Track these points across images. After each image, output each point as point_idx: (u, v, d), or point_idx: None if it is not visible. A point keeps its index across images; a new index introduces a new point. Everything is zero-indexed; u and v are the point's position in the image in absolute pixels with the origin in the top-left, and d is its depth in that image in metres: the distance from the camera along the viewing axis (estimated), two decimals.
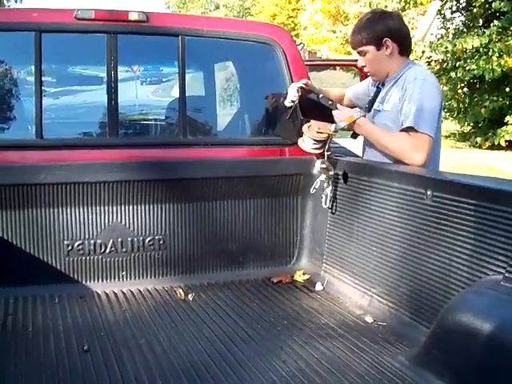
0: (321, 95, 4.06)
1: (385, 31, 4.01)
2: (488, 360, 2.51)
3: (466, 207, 2.99)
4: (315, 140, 4.04)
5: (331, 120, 4.00)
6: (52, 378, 2.85)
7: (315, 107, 4.10)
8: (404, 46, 4.10)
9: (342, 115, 4.00)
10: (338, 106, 4.12)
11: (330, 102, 4.05)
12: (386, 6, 19.42)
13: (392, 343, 3.29)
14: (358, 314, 3.73)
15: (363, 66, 4.19)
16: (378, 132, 4.01)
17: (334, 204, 4.17)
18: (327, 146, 4.06)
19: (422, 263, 3.33)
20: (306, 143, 4.10)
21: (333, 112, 4.03)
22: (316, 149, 4.07)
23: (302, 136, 4.14)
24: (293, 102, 4.22)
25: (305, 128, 4.10)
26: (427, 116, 3.82)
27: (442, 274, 3.17)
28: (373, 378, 2.87)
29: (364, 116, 4.05)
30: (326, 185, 4.16)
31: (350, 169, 4.03)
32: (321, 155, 4.09)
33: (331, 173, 4.12)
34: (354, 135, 4.11)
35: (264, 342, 3.33)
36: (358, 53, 4.15)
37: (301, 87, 4.16)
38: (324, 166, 4.10)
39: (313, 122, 4.09)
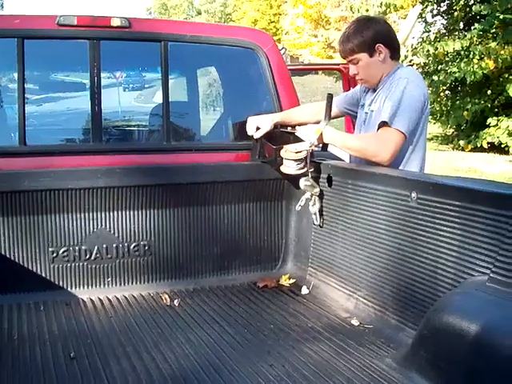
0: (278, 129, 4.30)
1: (376, 37, 3.99)
2: (475, 361, 2.52)
3: (451, 209, 3.00)
4: (296, 160, 4.05)
5: (299, 141, 4.07)
6: None
7: (280, 136, 4.27)
8: (395, 50, 4.10)
9: (308, 131, 4.03)
10: (297, 127, 4.20)
11: (289, 129, 4.23)
12: (367, 10, 19.39)
13: (379, 346, 3.29)
14: (344, 317, 3.73)
15: (355, 75, 4.15)
16: (343, 137, 4.07)
17: (319, 208, 4.17)
18: (308, 163, 4.06)
19: (407, 265, 3.34)
20: (289, 167, 4.10)
21: (299, 132, 4.11)
22: (300, 169, 4.06)
23: (280, 163, 4.16)
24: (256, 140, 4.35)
25: (282, 153, 4.11)
26: (402, 113, 3.80)
27: (428, 275, 3.17)
28: (360, 381, 2.87)
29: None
30: (311, 202, 4.15)
31: (334, 172, 4.03)
32: (304, 174, 4.09)
33: (316, 190, 4.09)
34: (324, 147, 4.12)
35: (251, 346, 3.32)
36: (349, 61, 4.11)
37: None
38: (308, 183, 4.08)
39: (286, 146, 4.11)
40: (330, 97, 4.09)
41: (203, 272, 4.34)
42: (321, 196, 4.12)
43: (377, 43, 3.98)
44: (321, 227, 4.17)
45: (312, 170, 4.07)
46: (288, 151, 4.06)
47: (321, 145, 4.08)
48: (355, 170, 3.89)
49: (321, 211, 4.14)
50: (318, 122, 4.13)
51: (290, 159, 4.05)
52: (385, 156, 3.78)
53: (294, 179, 4.18)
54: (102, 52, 4.12)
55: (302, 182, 4.10)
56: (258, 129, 4.33)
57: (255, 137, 4.34)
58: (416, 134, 3.94)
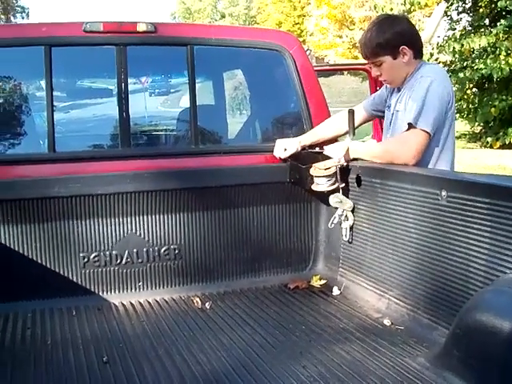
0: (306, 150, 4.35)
1: (399, 38, 3.95)
2: (509, 359, 2.49)
3: (482, 206, 2.98)
4: (326, 176, 4.07)
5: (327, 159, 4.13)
6: None
7: (308, 157, 4.29)
8: (418, 50, 4.07)
9: (335, 149, 4.08)
10: (325, 146, 4.25)
11: (317, 149, 4.28)
12: (391, 9, 19.36)
13: (411, 345, 3.28)
14: (375, 317, 3.71)
15: (378, 76, 4.14)
16: (368, 147, 4.09)
17: (351, 224, 4.17)
18: (339, 179, 4.06)
19: (438, 264, 3.32)
20: (320, 184, 4.13)
21: (326, 151, 4.17)
22: (331, 185, 4.08)
23: (311, 182, 4.20)
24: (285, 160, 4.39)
25: (312, 171, 4.14)
26: (426, 112, 3.78)
27: (460, 274, 3.15)
28: (393, 381, 2.86)
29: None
30: (343, 218, 4.14)
31: (362, 172, 4.02)
32: (335, 190, 4.11)
33: (348, 205, 4.09)
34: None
35: (283, 348, 3.32)
36: (372, 63, 4.09)
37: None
38: (338, 199, 4.09)
39: (315, 164, 4.14)
40: (351, 112, 4.10)
41: (234, 274, 4.35)
42: (353, 211, 4.11)
43: (400, 45, 3.95)
44: (351, 231, 4.16)
45: (343, 185, 4.07)
46: (317, 169, 4.09)
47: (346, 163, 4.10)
48: (384, 170, 3.88)
49: (352, 226, 4.14)
50: (345, 134, 4.19)
51: (321, 176, 4.08)
52: (408, 157, 3.77)
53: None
54: (129, 57, 4.14)
55: (332, 200, 4.11)
56: (285, 150, 4.35)
57: (282, 157, 4.38)
58: (443, 132, 3.92)
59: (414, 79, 3.95)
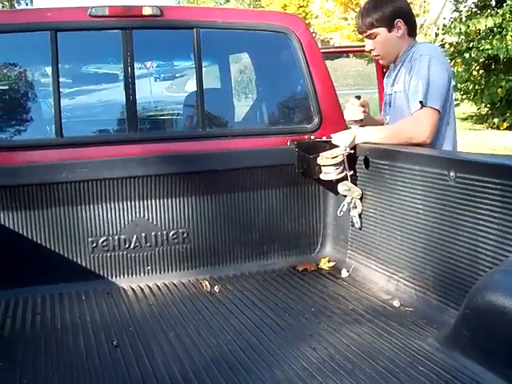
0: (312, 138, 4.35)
1: (396, 12, 4.03)
2: None
3: (490, 186, 2.98)
4: (334, 165, 4.08)
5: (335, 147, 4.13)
6: (83, 373, 2.88)
7: (315, 146, 4.30)
8: (412, 27, 4.13)
9: (342, 136, 4.09)
10: (332, 135, 4.21)
11: (324, 138, 4.26)
12: None
13: (421, 326, 3.28)
14: (385, 298, 3.72)
15: (371, 50, 4.19)
16: (378, 131, 4.08)
17: (360, 211, 4.17)
18: (347, 167, 4.07)
19: (447, 245, 3.32)
20: (329, 173, 4.14)
21: (333, 139, 4.15)
22: (339, 173, 4.10)
23: (319, 171, 4.21)
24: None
25: (319, 161, 4.15)
26: (432, 90, 3.82)
27: (469, 254, 3.15)
28: (404, 362, 2.86)
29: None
30: (352, 206, 4.16)
31: (370, 154, 4.01)
32: (343, 178, 4.12)
33: (357, 193, 4.11)
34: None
35: (293, 330, 3.33)
36: (367, 36, 4.14)
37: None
38: (346, 187, 4.11)
39: (322, 153, 4.15)
40: (358, 98, 4.15)
41: (242, 258, 4.35)
42: (361, 199, 4.12)
43: (396, 18, 4.02)
44: (360, 215, 4.16)
45: (351, 173, 4.08)
46: (324, 158, 4.10)
47: (352, 151, 4.11)
48: (392, 151, 3.87)
49: (360, 214, 4.15)
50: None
51: (328, 165, 4.09)
52: (424, 136, 3.80)
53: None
54: (135, 41, 4.12)
55: (341, 188, 4.13)
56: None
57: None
58: (446, 108, 3.96)
59: (409, 58, 3.97)
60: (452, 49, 19.94)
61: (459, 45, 19.61)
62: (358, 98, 4.16)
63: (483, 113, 21.11)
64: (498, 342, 2.59)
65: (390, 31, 4.04)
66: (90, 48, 4.49)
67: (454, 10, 20.98)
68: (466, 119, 21.00)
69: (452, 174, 3.23)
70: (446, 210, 3.32)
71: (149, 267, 4.17)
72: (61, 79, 4.06)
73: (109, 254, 4.08)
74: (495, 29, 17.30)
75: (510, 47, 16.58)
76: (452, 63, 19.38)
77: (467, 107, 20.81)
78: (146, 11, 4.17)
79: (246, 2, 66.63)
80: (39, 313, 3.67)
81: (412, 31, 4.11)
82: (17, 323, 3.53)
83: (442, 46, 20.22)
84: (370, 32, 4.09)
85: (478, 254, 3.09)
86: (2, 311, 3.68)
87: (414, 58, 3.92)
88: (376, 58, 4.27)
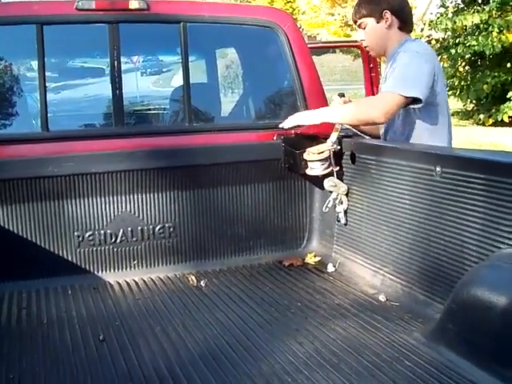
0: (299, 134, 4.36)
1: (385, 3, 4.02)
2: (505, 334, 2.51)
3: (476, 182, 2.99)
4: (320, 160, 4.07)
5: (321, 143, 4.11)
6: (70, 368, 2.87)
7: (302, 140, 4.31)
8: (405, 22, 4.09)
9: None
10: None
11: (311, 133, 4.30)
12: None
13: (407, 321, 3.29)
14: (371, 293, 3.72)
15: (362, 41, 4.24)
16: (341, 110, 4.05)
17: (346, 207, 4.17)
18: (333, 163, 4.07)
19: (433, 240, 3.33)
20: (314, 169, 4.12)
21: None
22: (325, 169, 4.08)
23: (305, 166, 4.19)
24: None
25: (305, 156, 4.14)
26: (403, 79, 3.79)
27: (455, 249, 3.16)
28: (389, 356, 2.87)
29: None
30: (338, 201, 4.17)
31: (356, 149, 4.02)
32: (329, 173, 4.11)
33: (343, 189, 4.11)
34: None
35: (279, 324, 3.33)
36: (359, 26, 4.16)
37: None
38: (332, 183, 4.11)
39: (309, 148, 4.14)
40: (341, 95, 4.22)
41: (229, 252, 4.35)
42: (347, 194, 4.12)
43: (384, 9, 4.01)
44: (345, 211, 4.16)
45: (337, 169, 4.08)
46: (310, 153, 4.08)
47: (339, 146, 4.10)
48: (378, 146, 3.88)
49: (346, 210, 4.15)
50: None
51: (314, 160, 4.08)
52: (376, 114, 3.78)
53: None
54: (121, 35, 4.11)
55: (327, 183, 4.12)
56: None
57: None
58: (434, 109, 3.93)
59: (398, 54, 3.96)
60: (438, 45, 20.01)
61: (445, 41, 19.68)
62: (342, 95, 4.21)
63: (469, 109, 21.22)
64: (484, 337, 2.60)
65: (378, 22, 4.04)
66: (77, 42, 4.46)
67: (441, 6, 21.04)
68: (451, 115, 21.00)
69: (438, 169, 3.24)
70: (432, 205, 3.33)
71: (135, 262, 4.16)
72: (47, 73, 4.05)
73: (95, 249, 4.07)
74: (481, 25, 17.38)
75: (495, 44, 16.67)
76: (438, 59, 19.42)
77: (453, 103, 20.86)
78: (133, 5, 4.15)
79: None
80: (25, 307, 3.66)
81: (404, 26, 4.09)
82: (2, 318, 3.52)
83: (429, 42, 20.29)
84: (360, 21, 4.12)
85: (464, 249, 3.09)
86: None
87: (399, 56, 3.92)
88: (366, 48, 4.28)
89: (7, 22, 3.99)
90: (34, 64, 4.12)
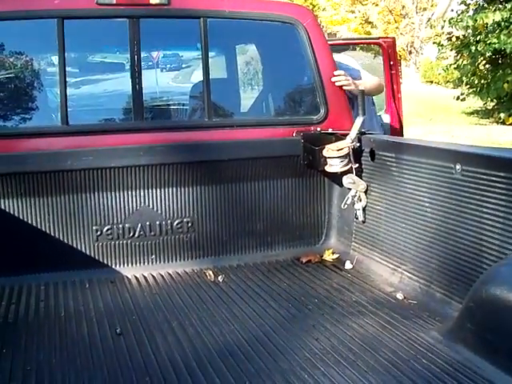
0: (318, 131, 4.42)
1: None
2: None
3: (496, 180, 2.97)
4: (339, 157, 4.07)
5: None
6: (86, 360, 2.88)
7: (322, 138, 4.32)
8: None
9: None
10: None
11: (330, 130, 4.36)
12: None
13: (424, 319, 3.28)
14: (388, 291, 3.72)
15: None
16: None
17: (365, 205, 4.17)
18: (352, 160, 4.07)
19: (452, 238, 3.31)
20: (334, 165, 4.14)
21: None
22: (344, 165, 4.10)
23: (325, 163, 4.20)
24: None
25: (325, 153, 4.14)
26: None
27: (474, 248, 3.15)
28: (406, 354, 2.86)
29: None
30: (356, 199, 4.16)
31: (376, 146, 4.00)
32: (348, 170, 4.12)
33: (362, 186, 4.11)
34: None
35: (296, 320, 3.33)
36: None
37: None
38: (351, 180, 4.11)
39: (328, 145, 4.14)
40: (361, 92, 4.23)
41: (247, 248, 4.35)
42: (366, 191, 4.12)
43: None
44: (364, 208, 4.15)
45: (357, 166, 4.07)
46: (330, 150, 4.09)
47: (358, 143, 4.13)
48: (398, 143, 3.87)
49: (365, 207, 4.15)
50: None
51: (333, 157, 4.08)
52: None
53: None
54: (142, 30, 4.11)
55: (346, 180, 4.12)
56: None
57: None
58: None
59: None
60: (458, 42, 19.91)
61: (466, 38, 19.57)
62: (363, 91, 4.26)
63: (489, 107, 21.07)
64: (502, 336, 2.59)
65: None
66: (97, 36, 4.48)
67: (461, 3, 20.90)
68: (471, 114, 20.96)
69: (458, 166, 3.22)
70: (451, 202, 3.32)
71: (153, 256, 4.17)
72: (67, 67, 4.05)
73: (113, 243, 4.08)
74: (503, 23, 17.24)
75: None
76: (458, 56, 19.39)
77: (473, 102, 20.76)
78: (154, 0, 4.15)
79: None
80: (43, 300, 3.68)
81: None
82: (20, 310, 3.54)
83: (449, 39, 20.20)
84: None
85: (483, 248, 3.08)
86: (7, 298, 3.69)
87: None
88: None
89: (28, 16, 3.99)
90: (55, 58, 4.12)
